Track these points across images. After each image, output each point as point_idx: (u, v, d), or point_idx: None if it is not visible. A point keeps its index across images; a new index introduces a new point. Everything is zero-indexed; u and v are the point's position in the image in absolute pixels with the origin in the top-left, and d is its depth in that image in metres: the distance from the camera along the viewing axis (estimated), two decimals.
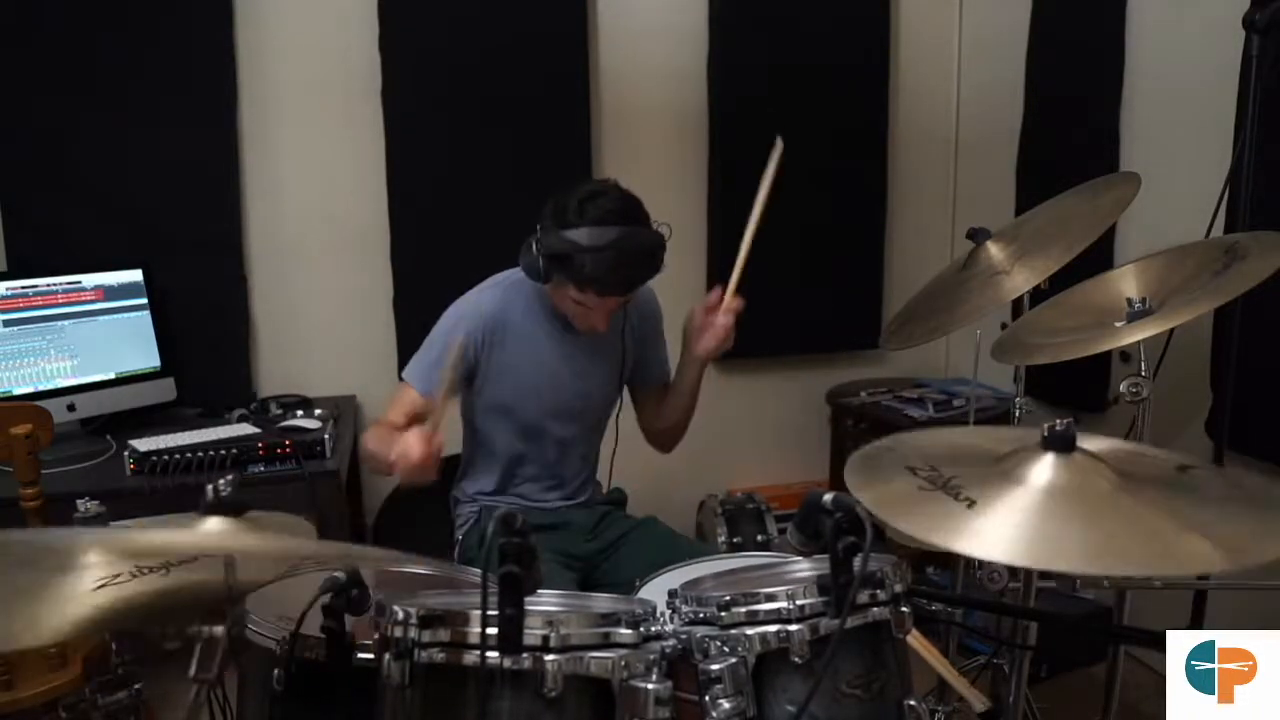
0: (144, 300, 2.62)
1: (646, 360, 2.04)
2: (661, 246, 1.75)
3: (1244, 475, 1.11)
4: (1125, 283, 1.76)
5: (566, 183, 1.75)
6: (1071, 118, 2.81)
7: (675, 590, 1.21)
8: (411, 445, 1.57)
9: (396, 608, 1.04)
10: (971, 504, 0.98)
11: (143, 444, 2.23)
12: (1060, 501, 1.00)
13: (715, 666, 1.06)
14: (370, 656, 1.10)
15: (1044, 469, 1.04)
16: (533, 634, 1.00)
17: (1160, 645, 1.09)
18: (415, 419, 1.80)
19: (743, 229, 1.83)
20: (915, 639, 1.56)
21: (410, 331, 2.87)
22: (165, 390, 2.66)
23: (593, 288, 1.71)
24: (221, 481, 0.91)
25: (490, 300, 1.88)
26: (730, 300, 1.83)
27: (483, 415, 1.95)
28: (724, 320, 1.83)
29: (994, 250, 2.00)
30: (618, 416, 2.03)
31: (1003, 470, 1.06)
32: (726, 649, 1.08)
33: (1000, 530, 0.97)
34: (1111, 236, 2.52)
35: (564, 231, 1.67)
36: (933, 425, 2.93)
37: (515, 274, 1.86)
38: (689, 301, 3.15)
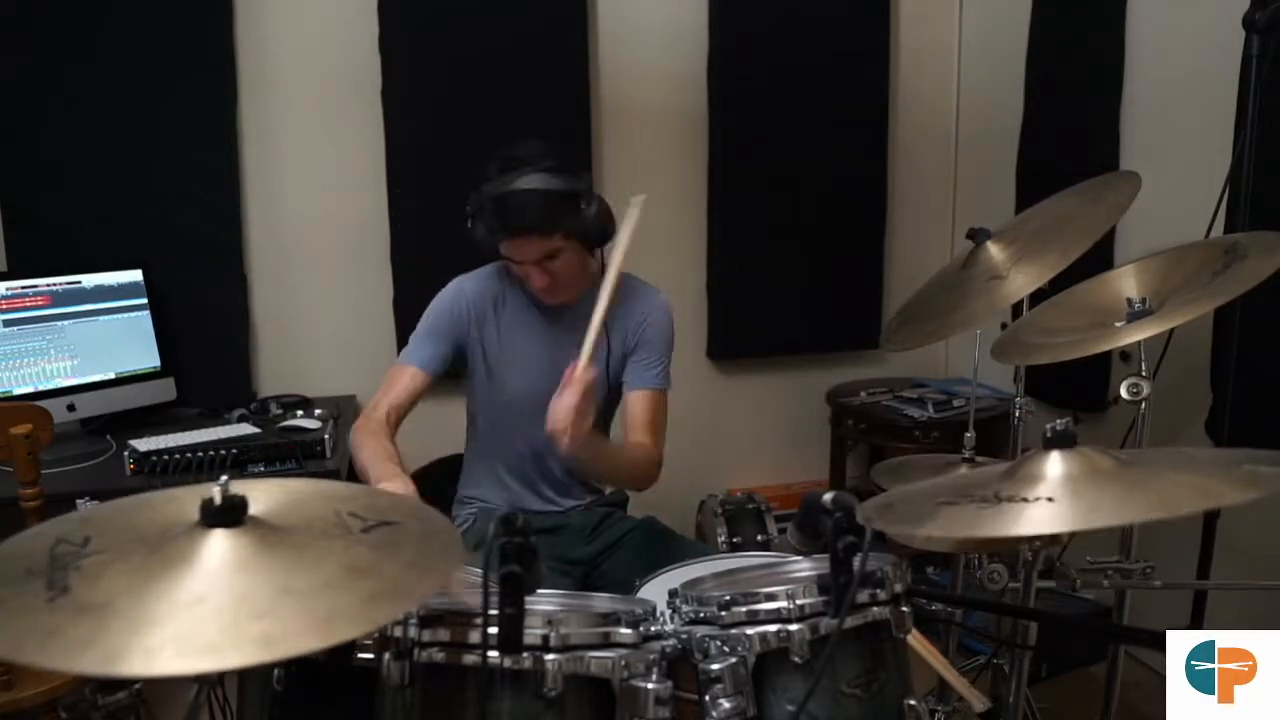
0: (144, 300, 2.62)
1: (633, 363, 1.95)
2: (575, 193, 1.75)
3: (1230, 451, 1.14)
4: (1125, 283, 1.75)
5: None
6: (1071, 118, 2.81)
7: (675, 590, 1.21)
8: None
9: None
10: (1043, 500, 1.01)
11: (143, 444, 2.23)
12: (1084, 482, 1.03)
13: (715, 666, 1.06)
14: (370, 656, 1.10)
15: (1055, 464, 1.06)
16: (533, 634, 1.00)
17: (1160, 645, 1.09)
18: (409, 398, 1.84)
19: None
20: (915, 639, 1.56)
21: (410, 331, 2.87)
22: (165, 390, 2.66)
23: (504, 234, 1.74)
24: (215, 489, 0.90)
25: (472, 285, 1.92)
26: (581, 371, 1.59)
27: (475, 410, 1.97)
28: (567, 400, 1.57)
29: (994, 250, 2.00)
30: (613, 422, 2.02)
31: (1019, 476, 1.07)
32: (726, 649, 1.08)
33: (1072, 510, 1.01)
34: (1111, 236, 2.52)
35: (479, 191, 1.75)
36: (932, 425, 2.93)
37: (497, 264, 1.92)
38: (688, 304, 3.18)
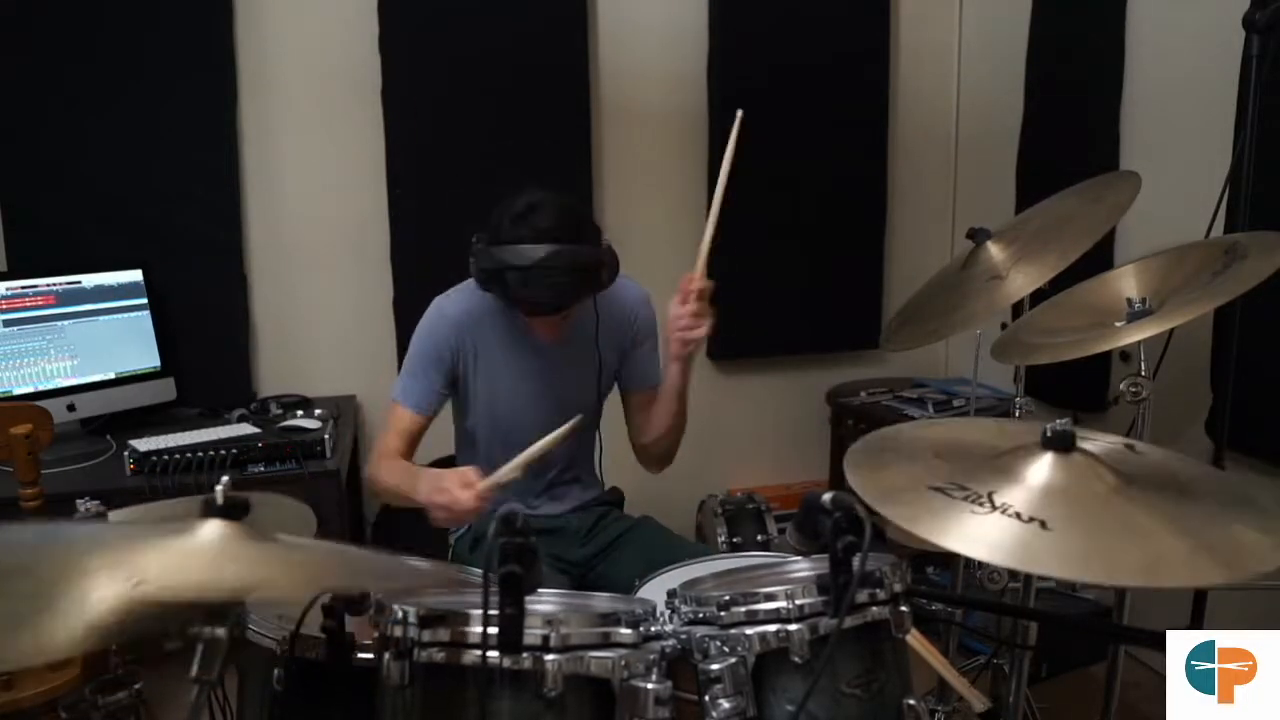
0: (144, 300, 2.62)
1: (632, 366, 1.96)
2: (600, 263, 1.69)
3: (1245, 480, 1.10)
4: (1125, 283, 1.76)
5: (511, 191, 1.72)
6: (1071, 117, 2.81)
7: (675, 590, 1.21)
8: (457, 493, 1.53)
9: (396, 607, 1.04)
10: (1035, 524, 0.97)
11: (143, 444, 2.23)
12: (1076, 507, 1.00)
13: (715, 666, 1.06)
14: (370, 656, 1.10)
15: (1050, 469, 1.04)
16: (533, 634, 1.00)
17: (1160, 645, 1.09)
18: (414, 440, 1.82)
19: (709, 205, 1.77)
20: (915, 639, 1.56)
21: (410, 332, 2.87)
22: (165, 390, 2.66)
23: (521, 307, 1.71)
24: (218, 488, 0.92)
25: (454, 308, 1.85)
26: (698, 281, 1.71)
27: (467, 422, 1.94)
28: (691, 307, 1.70)
29: (994, 250, 2.00)
30: (598, 421, 2.01)
31: (1013, 471, 1.05)
32: (726, 649, 1.08)
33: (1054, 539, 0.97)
34: (1111, 236, 2.51)
35: (494, 248, 1.65)
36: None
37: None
38: None
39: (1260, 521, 0.99)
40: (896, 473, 1.11)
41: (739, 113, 1.69)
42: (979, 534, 0.97)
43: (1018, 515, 0.98)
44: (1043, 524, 0.96)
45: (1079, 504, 1.01)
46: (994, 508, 1.00)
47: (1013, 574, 1.75)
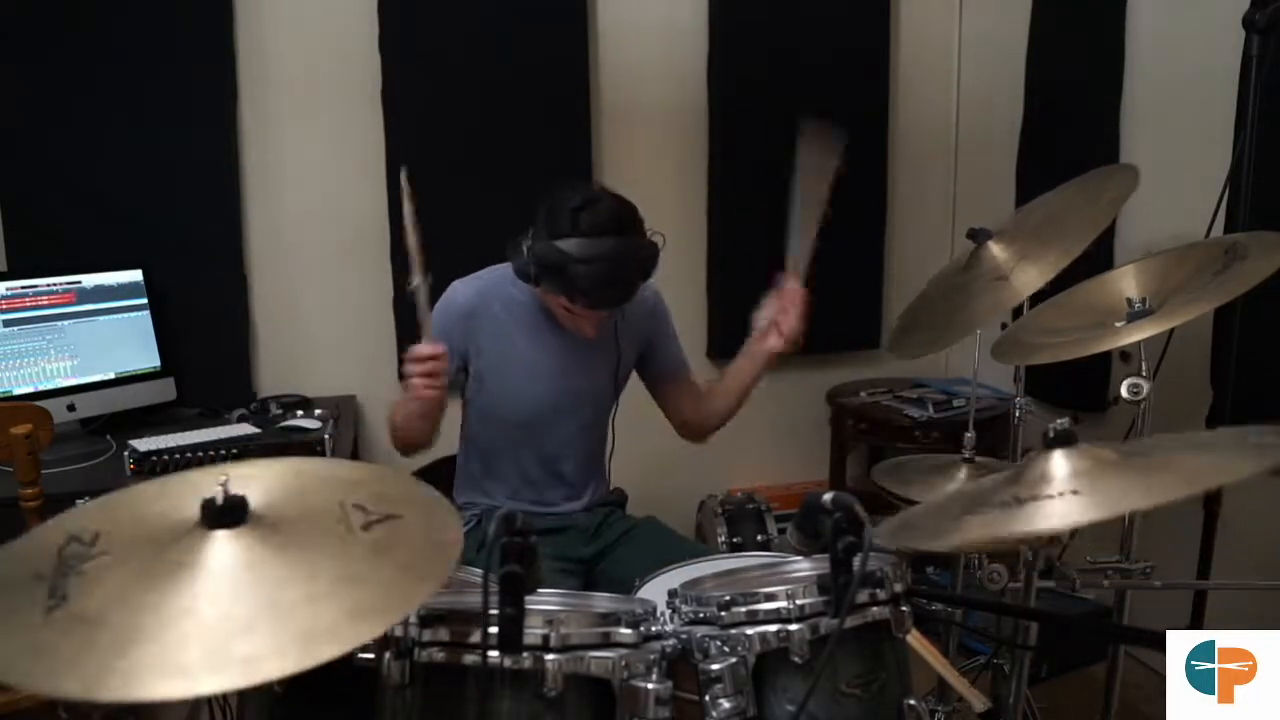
0: (144, 300, 2.62)
1: (656, 358, 2.02)
2: (654, 256, 1.71)
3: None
4: (1125, 283, 1.75)
5: (560, 186, 1.70)
6: (1071, 118, 2.81)
7: (675, 590, 1.21)
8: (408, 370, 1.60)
9: None
10: (1068, 494, 1.01)
11: (143, 444, 2.23)
12: (1098, 474, 1.03)
13: (715, 666, 1.06)
14: (370, 656, 1.10)
15: (1061, 463, 1.05)
16: (533, 633, 1.00)
17: (1160, 645, 1.09)
18: None
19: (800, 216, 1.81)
20: (915, 639, 1.56)
21: (411, 331, 2.86)
22: (165, 390, 2.66)
23: (583, 300, 1.68)
24: (219, 488, 0.90)
25: (466, 293, 1.86)
26: (795, 284, 1.80)
27: (476, 415, 1.95)
28: (795, 308, 1.80)
29: (995, 250, 2.00)
30: (613, 419, 2.02)
31: (1028, 479, 1.07)
32: (726, 649, 1.08)
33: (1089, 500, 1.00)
34: (1111, 236, 2.52)
35: (556, 241, 1.63)
36: (932, 425, 2.93)
37: (506, 266, 1.86)
38: (689, 301, 3.18)
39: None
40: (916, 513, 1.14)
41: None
42: (1017, 518, 0.99)
43: (1049, 496, 1.00)
44: (1074, 491, 0.99)
45: (1099, 473, 1.03)
46: (1021, 501, 1.01)
47: (1012, 574, 1.75)
